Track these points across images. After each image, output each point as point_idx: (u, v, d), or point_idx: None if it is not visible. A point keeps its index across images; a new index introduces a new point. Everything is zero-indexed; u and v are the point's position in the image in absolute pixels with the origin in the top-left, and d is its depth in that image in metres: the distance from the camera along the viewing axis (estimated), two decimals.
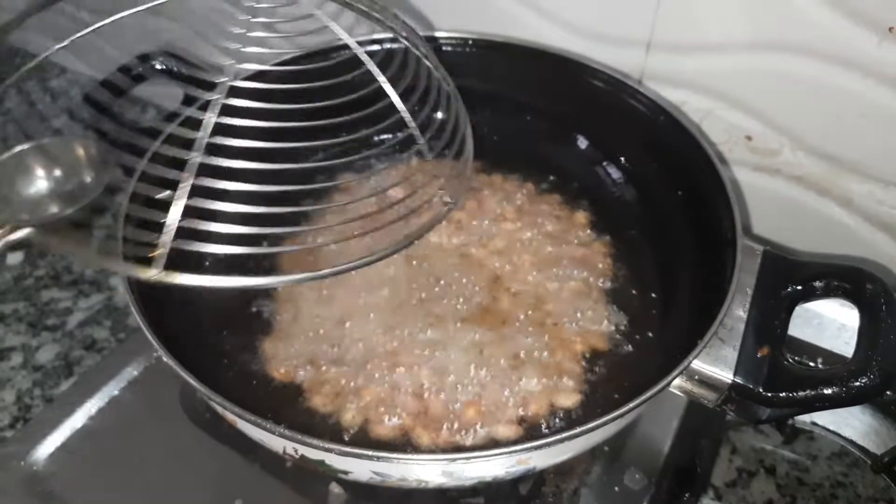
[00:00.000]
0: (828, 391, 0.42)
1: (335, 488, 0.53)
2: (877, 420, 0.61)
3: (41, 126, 1.04)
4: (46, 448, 0.56)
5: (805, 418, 0.60)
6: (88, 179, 0.92)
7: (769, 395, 0.43)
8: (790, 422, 0.56)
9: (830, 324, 0.64)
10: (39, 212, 0.89)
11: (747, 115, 0.65)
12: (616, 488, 0.54)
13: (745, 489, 0.58)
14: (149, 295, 0.48)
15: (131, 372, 0.61)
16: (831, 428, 0.60)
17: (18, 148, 0.92)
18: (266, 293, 0.58)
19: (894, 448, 0.56)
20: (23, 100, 1.09)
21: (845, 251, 0.68)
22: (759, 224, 0.72)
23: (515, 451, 0.38)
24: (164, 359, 0.43)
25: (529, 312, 0.57)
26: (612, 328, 0.57)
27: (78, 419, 0.58)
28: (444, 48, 0.66)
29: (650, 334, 0.56)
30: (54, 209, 0.90)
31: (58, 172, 0.93)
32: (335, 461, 0.40)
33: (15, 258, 0.86)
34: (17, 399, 0.71)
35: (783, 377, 0.44)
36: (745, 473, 0.59)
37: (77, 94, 1.10)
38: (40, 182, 0.93)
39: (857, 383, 0.42)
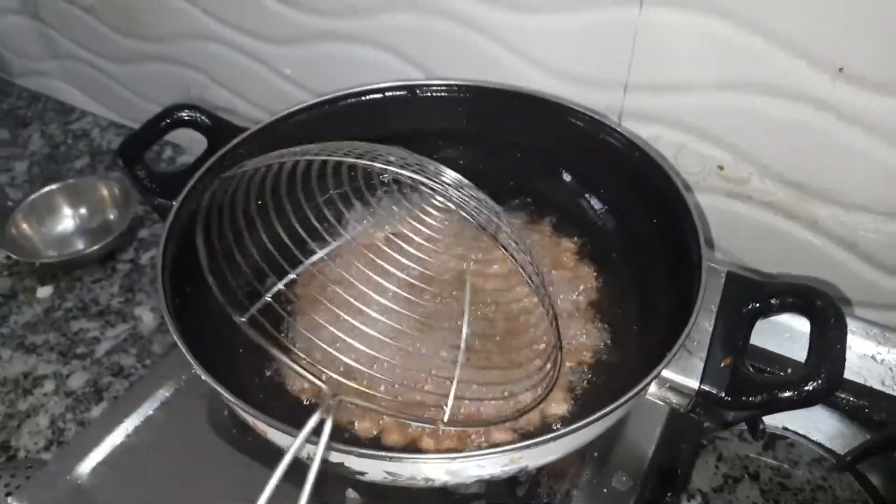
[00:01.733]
0: (782, 395, 0.48)
1: (351, 493, 0.58)
2: (843, 424, 0.65)
3: (64, 167, 1.10)
4: (89, 463, 0.61)
5: (776, 423, 0.64)
6: (112, 217, 0.98)
7: (730, 399, 0.49)
8: (761, 426, 0.60)
9: (800, 336, 0.69)
10: (66, 249, 0.95)
11: (718, 147, 0.69)
12: (605, 490, 0.58)
13: (731, 494, 0.61)
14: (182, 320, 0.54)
15: (163, 393, 0.66)
16: (801, 432, 0.64)
17: (47, 188, 0.98)
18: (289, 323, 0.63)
19: (856, 448, 0.61)
20: (46, 142, 1.15)
21: (814, 270, 0.72)
22: (733, 246, 0.76)
23: (508, 451, 0.44)
24: (202, 376, 0.48)
25: (527, 331, 0.61)
26: (598, 343, 0.62)
27: (117, 437, 0.62)
28: (437, 93, 0.71)
29: (630, 348, 0.61)
30: (80, 246, 0.96)
31: (83, 211, 1.00)
32: (353, 463, 0.46)
33: (44, 292, 0.91)
34: (51, 423, 0.76)
35: (744, 383, 0.49)
36: (730, 479, 0.62)
37: (97, 135, 1.16)
38: (67, 220, 0.99)
39: (808, 387, 0.47)
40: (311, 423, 0.43)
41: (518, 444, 0.44)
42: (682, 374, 0.50)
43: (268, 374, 0.61)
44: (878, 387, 0.66)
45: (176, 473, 0.61)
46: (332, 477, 0.56)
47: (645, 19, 0.64)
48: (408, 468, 0.46)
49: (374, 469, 0.46)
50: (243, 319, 0.50)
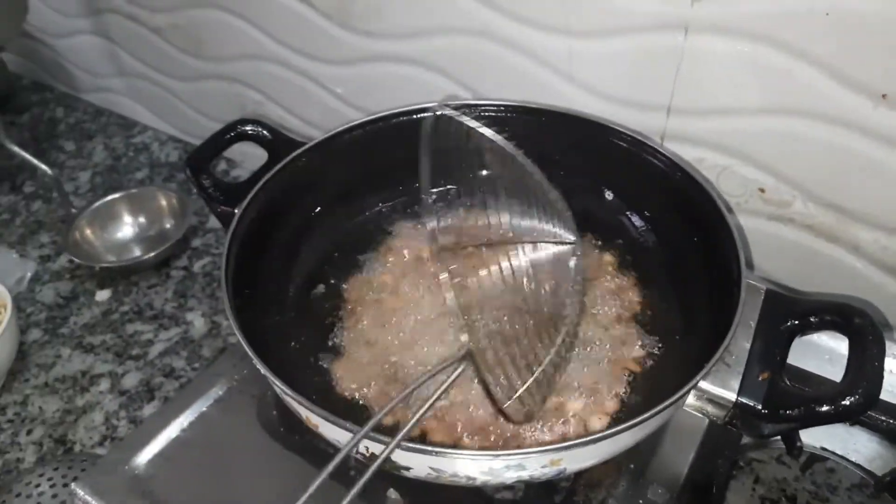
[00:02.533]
0: (819, 409, 0.49)
1: (392, 494, 0.60)
2: (883, 446, 0.65)
3: (125, 178, 1.15)
4: (146, 455, 0.64)
5: (814, 442, 0.64)
6: (169, 226, 1.03)
7: (767, 411, 0.50)
8: (799, 443, 0.60)
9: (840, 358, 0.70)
10: (124, 255, 1.00)
11: (760, 170, 0.70)
12: (640, 501, 0.59)
13: None
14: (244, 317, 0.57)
15: (217, 391, 0.69)
16: (839, 452, 0.64)
17: (109, 197, 1.03)
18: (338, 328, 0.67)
19: (895, 469, 0.61)
20: (109, 154, 1.21)
21: (855, 293, 0.72)
22: (774, 268, 0.77)
23: (548, 451, 0.46)
24: (262, 371, 0.51)
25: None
26: (640, 354, 0.63)
27: (172, 431, 0.65)
28: (486, 114, 0.72)
29: (671, 360, 0.61)
30: (137, 252, 1.01)
31: (142, 219, 1.04)
32: (400, 457, 0.48)
33: (103, 295, 0.95)
34: (106, 420, 0.79)
35: (780, 397, 0.50)
36: (767, 501, 0.61)
37: (157, 148, 1.20)
38: (126, 228, 1.04)
39: (845, 402, 0.48)
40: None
41: (558, 445, 0.46)
42: (721, 386, 0.52)
43: (316, 377, 0.63)
44: None
45: (226, 467, 0.64)
46: (375, 476, 0.59)
47: (690, 45, 0.66)
48: (452, 464, 0.47)
49: (420, 464, 0.48)
50: None
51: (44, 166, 1.01)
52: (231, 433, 0.66)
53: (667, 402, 0.47)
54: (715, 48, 0.65)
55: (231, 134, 0.69)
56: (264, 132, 0.71)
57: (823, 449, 0.64)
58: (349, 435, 0.47)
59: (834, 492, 0.62)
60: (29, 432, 0.78)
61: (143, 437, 0.65)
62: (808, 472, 0.64)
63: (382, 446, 0.46)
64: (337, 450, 0.47)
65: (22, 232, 1.06)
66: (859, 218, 0.68)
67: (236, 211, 0.63)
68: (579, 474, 0.60)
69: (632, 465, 0.62)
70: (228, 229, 0.60)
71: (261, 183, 0.64)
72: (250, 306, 0.59)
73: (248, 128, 0.69)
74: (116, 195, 1.04)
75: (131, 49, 1.15)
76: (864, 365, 0.49)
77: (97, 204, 1.03)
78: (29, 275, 0.98)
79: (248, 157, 1.09)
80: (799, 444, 0.60)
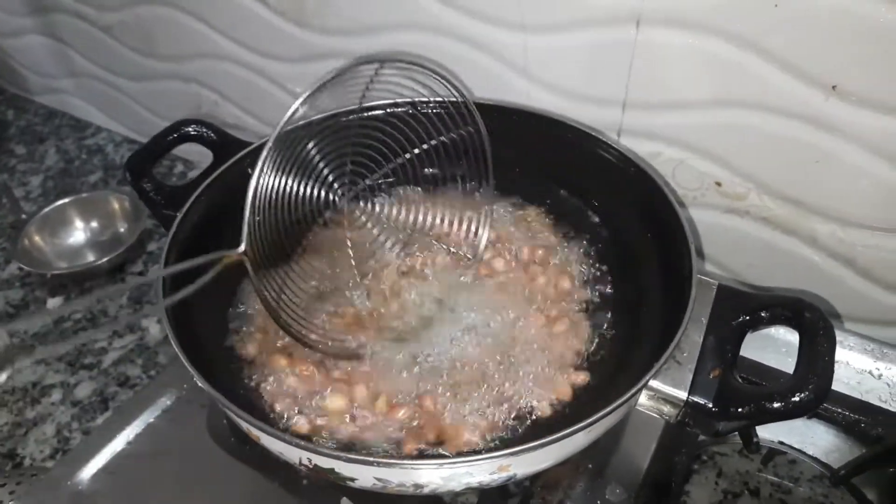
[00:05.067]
0: (770, 405, 0.48)
1: (346, 503, 0.59)
2: (840, 439, 0.65)
3: (78, 182, 1.12)
4: (90, 469, 0.62)
5: (772, 437, 0.64)
6: (123, 230, 1.01)
7: (718, 409, 0.49)
8: (755, 439, 0.60)
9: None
10: (76, 261, 0.98)
11: (715, 163, 0.70)
12: (598, 501, 0.59)
13: None
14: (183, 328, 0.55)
15: (165, 402, 0.67)
16: (797, 446, 0.64)
17: (59, 202, 1.01)
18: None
19: (851, 462, 0.61)
20: (61, 157, 1.18)
21: (814, 285, 0.72)
22: (733, 262, 0.77)
23: (495, 457, 0.45)
24: (200, 384, 0.49)
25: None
26: (593, 350, 0.62)
27: (118, 444, 0.64)
28: (436, 110, 0.68)
29: (624, 357, 0.61)
30: (90, 258, 0.98)
31: (94, 224, 1.02)
32: (344, 468, 0.46)
33: (55, 302, 0.92)
34: (57, 432, 0.77)
35: (731, 394, 0.50)
36: (730, 495, 0.62)
37: (111, 150, 1.18)
38: (78, 233, 1.02)
39: (795, 398, 0.48)
40: None
41: (504, 452, 0.45)
42: (672, 384, 0.51)
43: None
44: (875, 402, 0.66)
45: (175, 480, 0.62)
46: (327, 484, 0.58)
47: (642, 39, 0.65)
48: (396, 474, 0.46)
49: (364, 475, 0.47)
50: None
51: None
52: (180, 444, 0.65)
53: (612, 405, 0.46)
54: (667, 41, 0.65)
55: (174, 135, 0.67)
56: (209, 133, 0.69)
57: (781, 443, 0.65)
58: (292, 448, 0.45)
59: (796, 483, 0.63)
60: None
61: (88, 451, 0.63)
62: (771, 465, 0.64)
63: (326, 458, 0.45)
64: None
65: None
66: (815, 210, 0.69)
67: (178, 214, 0.61)
68: (536, 476, 0.60)
69: (590, 465, 0.62)
70: (168, 233, 0.59)
71: (203, 186, 0.62)
72: (192, 315, 0.57)
73: (190, 128, 0.68)
74: (67, 199, 1.01)
75: (82, 49, 1.12)
76: (815, 360, 0.49)
77: (47, 209, 1.00)
78: None
79: (205, 158, 1.07)
80: (756, 439, 0.60)
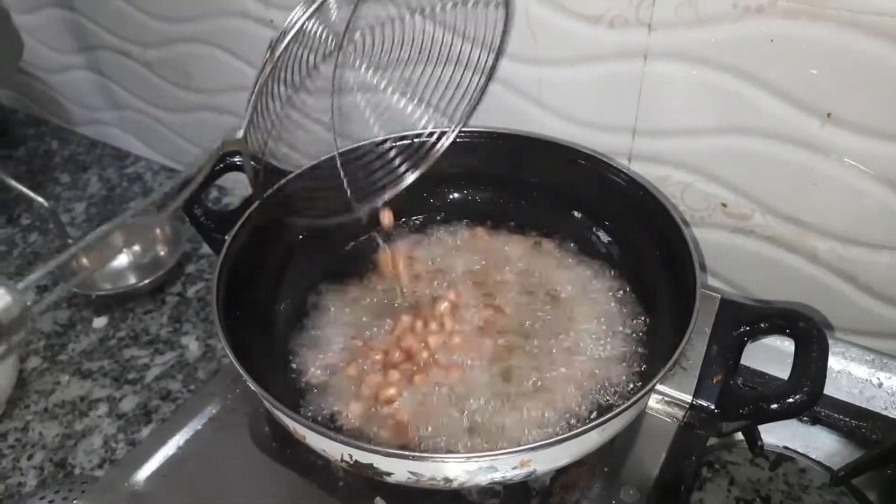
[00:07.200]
0: (768, 406, 0.53)
1: (380, 502, 0.63)
2: (841, 443, 0.68)
3: (119, 208, 1.16)
4: (144, 472, 0.67)
5: (776, 441, 0.67)
6: (163, 253, 1.06)
7: (720, 411, 0.54)
8: (760, 442, 0.64)
9: None
10: (119, 282, 1.03)
11: (721, 186, 0.74)
12: (613, 502, 0.62)
13: None
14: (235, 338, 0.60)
15: (210, 411, 0.72)
16: (800, 450, 0.67)
17: (103, 227, 1.06)
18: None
19: (850, 464, 0.64)
20: (104, 185, 1.24)
21: (815, 300, 0.75)
22: (739, 278, 0.80)
23: (517, 452, 0.49)
24: (251, 385, 0.54)
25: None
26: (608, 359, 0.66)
27: (169, 449, 0.68)
28: (459, 139, 0.75)
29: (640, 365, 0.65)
30: (132, 280, 1.03)
31: (136, 248, 1.07)
32: (381, 463, 0.51)
33: (100, 322, 0.96)
34: (104, 443, 0.81)
35: (732, 397, 0.54)
36: (742, 502, 0.65)
37: (150, 178, 1.23)
38: (121, 256, 1.07)
39: (790, 400, 0.52)
40: None
41: (525, 447, 0.49)
42: (678, 388, 0.55)
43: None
44: (876, 410, 0.69)
45: (221, 481, 0.67)
46: (361, 485, 0.62)
47: (649, 71, 0.70)
48: (429, 467, 0.51)
49: (400, 469, 0.52)
50: None
51: (40, 199, 1.03)
52: (225, 449, 0.69)
53: (625, 405, 0.51)
54: (672, 73, 0.69)
55: (221, 165, 0.72)
56: (251, 162, 0.74)
57: (786, 448, 0.68)
58: (336, 445, 0.50)
59: (805, 491, 0.66)
60: (30, 457, 0.80)
61: (141, 457, 0.68)
62: (781, 473, 0.67)
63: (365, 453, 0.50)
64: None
65: (19, 263, 1.08)
66: (815, 229, 0.72)
67: (227, 238, 0.66)
68: (555, 477, 0.64)
69: (605, 468, 0.65)
70: (219, 255, 0.64)
71: (248, 212, 0.68)
72: (241, 327, 0.63)
73: (235, 159, 0.73)
74: (108, 225, 1.06)
75: (123, 83, 1.18)
76: (809, 365, 0.53)
77: (91, 235, 1.04)
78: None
79: (238, 184, 1.12)
80: (760, 442, 0.64)
